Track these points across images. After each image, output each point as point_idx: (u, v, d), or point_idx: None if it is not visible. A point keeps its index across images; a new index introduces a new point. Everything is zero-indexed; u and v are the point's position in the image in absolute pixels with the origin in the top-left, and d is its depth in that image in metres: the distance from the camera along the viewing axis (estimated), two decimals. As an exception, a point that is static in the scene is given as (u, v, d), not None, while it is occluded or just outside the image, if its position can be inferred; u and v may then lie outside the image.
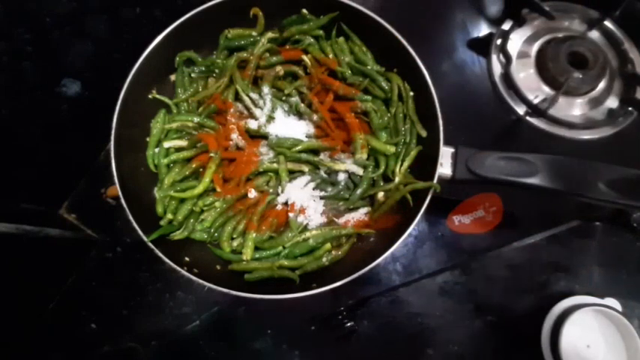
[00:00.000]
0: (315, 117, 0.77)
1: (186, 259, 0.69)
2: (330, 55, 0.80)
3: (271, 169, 0.75)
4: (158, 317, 0.83)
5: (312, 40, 0.80)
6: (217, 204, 0.73)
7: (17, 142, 0.77)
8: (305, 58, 0.79)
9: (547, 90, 0.93)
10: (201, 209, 0.73)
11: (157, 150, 0.76)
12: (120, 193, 0.66)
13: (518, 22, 0.97)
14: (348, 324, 0.78)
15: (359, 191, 0.74)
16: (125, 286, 0.85)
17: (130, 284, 0.85)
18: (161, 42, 0.73)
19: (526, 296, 0.84)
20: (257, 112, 0.77)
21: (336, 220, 0.75)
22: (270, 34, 0.80)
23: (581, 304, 0.79)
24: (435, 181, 0.67)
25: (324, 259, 0.71)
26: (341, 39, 0.81)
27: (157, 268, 0.85)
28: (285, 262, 0.70)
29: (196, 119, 0.76)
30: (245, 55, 0.79)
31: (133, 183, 0.71)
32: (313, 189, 0.75)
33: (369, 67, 0.79)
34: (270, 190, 0.76)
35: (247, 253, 0.70)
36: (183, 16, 0.73)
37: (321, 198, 0.75)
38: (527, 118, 0.92)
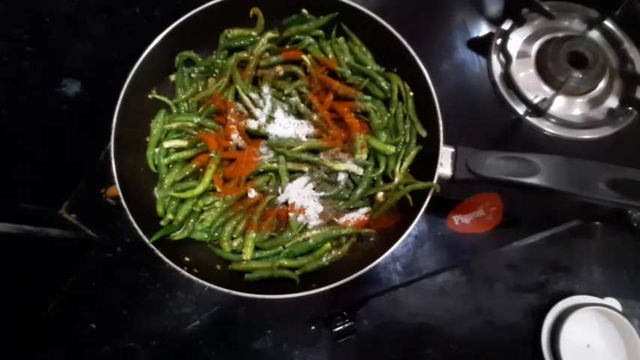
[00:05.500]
0: (315, 117, 0.77)
1: (187, 259, 0.69)
2: (330, 55, 0.80)
3: (271, 169, 0.75)
4: (158, 317, 0.83)
5: (312, 40, 0.80)
6: (217, 204, 0.73)
7: (17, 142, 0.77)
8: (305, 58, 0.79)
9: (547, 90, 0.93)
10: (201, 209, 0.73)
11: (157, 150, 0.76)
12: (120, 193, 0.66)
13: (518, 22, 0.97)
14: (348, 324, 0.78)
15: (359, 191, 0.74)
16: (125, 286, 0.85)
17: (130, 284, 0.85)
18: (161, 42, 0.73)
19: (526, 296, 0.84)
20: (257, 112, 0.77)
21: (336, 220, 0.75)
22: (270, 34, 0.80)
23: (581, 303, 0.79)
24: (435, 181, 0.67)
25: (324, 259, 0.71)
26: (341, 39, 0.81)
27: (157, 268, 0.85)
28: (285, 262, 0.70)
29: (196, 119, 0.76)
30: (245, 55, 0.79)
31: (133, 183, 0.71)
32: (313, 189, 0.75)
33: (368, 67, 0.79)
34: (270, 190, 0.76)
35: (247, 253, 0.70)
36: (183, 16, 0.73)
37: (321, 198, 0.75)
38: (527, 117, 0.92)
